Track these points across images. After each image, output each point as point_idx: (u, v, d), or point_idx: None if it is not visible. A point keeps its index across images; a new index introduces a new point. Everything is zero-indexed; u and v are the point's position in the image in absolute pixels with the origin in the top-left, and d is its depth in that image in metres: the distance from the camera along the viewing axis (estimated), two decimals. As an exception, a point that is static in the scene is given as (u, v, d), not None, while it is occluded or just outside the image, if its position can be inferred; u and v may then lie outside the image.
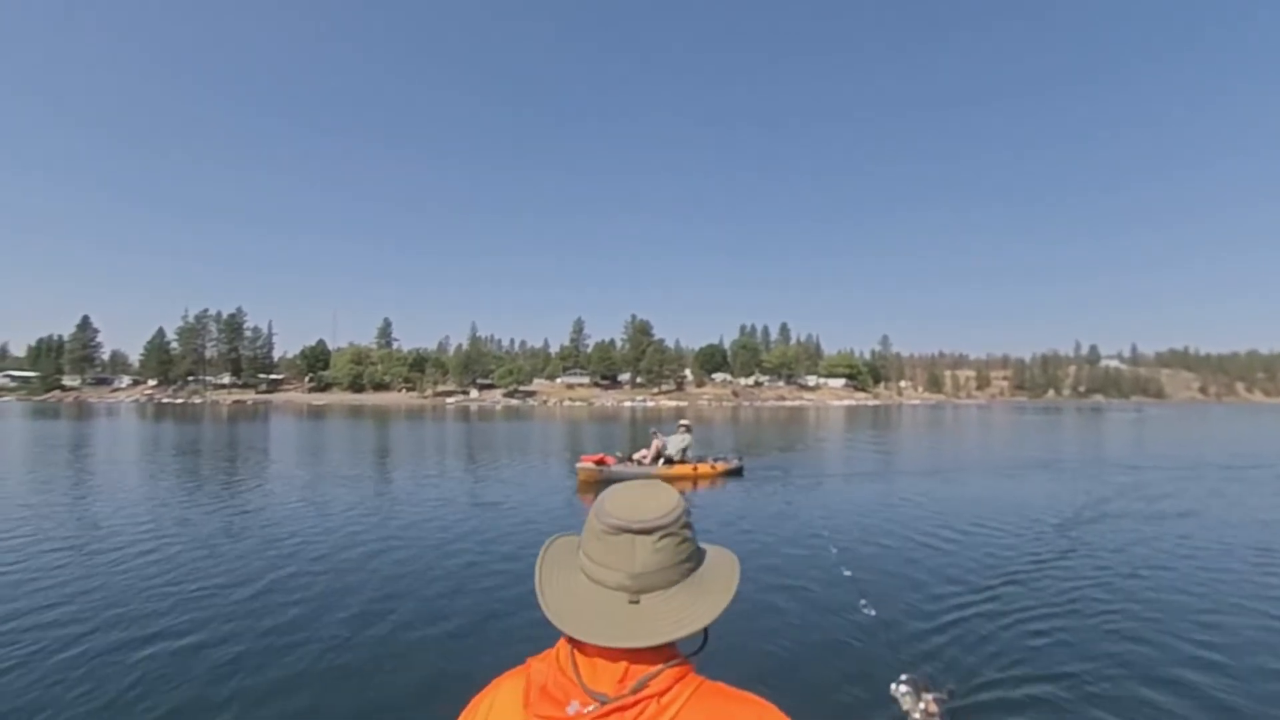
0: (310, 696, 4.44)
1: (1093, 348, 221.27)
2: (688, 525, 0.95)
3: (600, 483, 14.70)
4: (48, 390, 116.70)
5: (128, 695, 4.44)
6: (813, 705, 4.48)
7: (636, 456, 16.40)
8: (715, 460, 16.96)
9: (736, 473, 16.60)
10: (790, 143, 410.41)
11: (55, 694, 4.45)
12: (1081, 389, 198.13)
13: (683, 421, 18.05)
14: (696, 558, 0.97)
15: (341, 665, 4.90)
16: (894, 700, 1.49)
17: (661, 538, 0.91)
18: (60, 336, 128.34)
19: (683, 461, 16.46)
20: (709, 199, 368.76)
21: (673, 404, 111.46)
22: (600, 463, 15.42)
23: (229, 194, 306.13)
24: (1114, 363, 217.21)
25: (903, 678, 1.51)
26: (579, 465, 15.60)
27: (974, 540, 9.27)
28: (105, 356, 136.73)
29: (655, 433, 17.13)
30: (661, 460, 16.20)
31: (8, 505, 11.64)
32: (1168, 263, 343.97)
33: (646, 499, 0.95)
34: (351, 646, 5.21)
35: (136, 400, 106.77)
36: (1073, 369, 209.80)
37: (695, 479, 15.73)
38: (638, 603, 0.89)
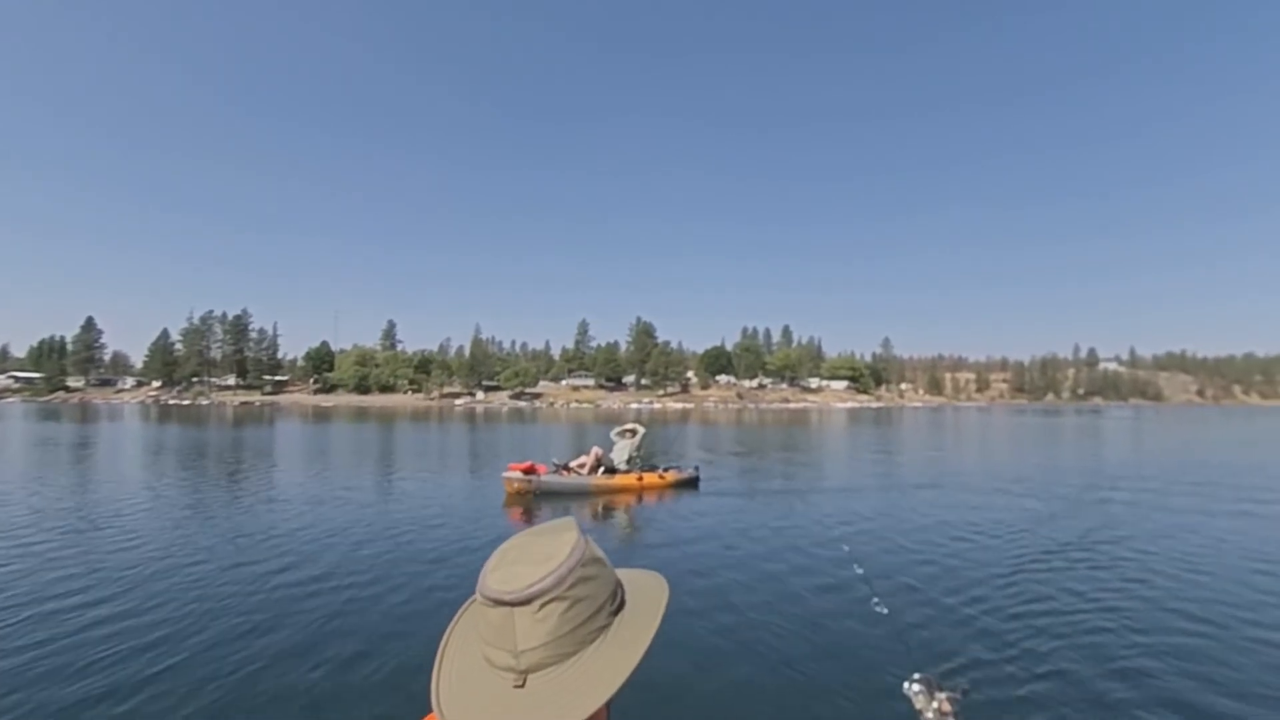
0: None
1: (1091, 350, 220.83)
2: (586, 579, 0.75)
3: (531, 494, 13.44)
4: (52, 391, 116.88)
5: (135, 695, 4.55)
6: (824, 703, 4.56)
7: (574, 465, 14.72)
8: (665, 469, 15.17)
9: (690, 484, 14.84)
10: (792, 145, 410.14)
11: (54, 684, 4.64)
12: (1081, 391, 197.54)
13: (628, 426, 15.98)
14: (607, 613, 0.78)
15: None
16: (906, 699, 1.47)
17: (543, 606, 0.72)
18: (62, 337, 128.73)
19: (628, 471, 14.73)
20: (711, 201, 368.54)
21: (679, 406, 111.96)
22: (529, 471, 13.66)
23: (231, 194, 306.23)
24: (1112, 365, 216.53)
25: (915, 676, 1.49)
26: (505, 475, 13.73)
27: (988, 544, 9.49)
28: (107, 358, 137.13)
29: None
30: (602, 469, 14.57)
31: (11, 509, 11.57)
32: (1166, 265, 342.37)
33: (523, 558, 0.76)
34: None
35: (142, 402, 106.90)
36: (1072, 371, 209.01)
37: (640, 491, 14.03)
38: (523, 686, 0.72)
